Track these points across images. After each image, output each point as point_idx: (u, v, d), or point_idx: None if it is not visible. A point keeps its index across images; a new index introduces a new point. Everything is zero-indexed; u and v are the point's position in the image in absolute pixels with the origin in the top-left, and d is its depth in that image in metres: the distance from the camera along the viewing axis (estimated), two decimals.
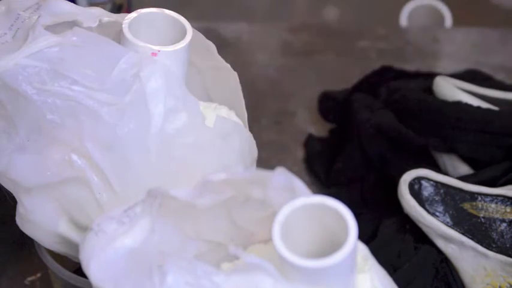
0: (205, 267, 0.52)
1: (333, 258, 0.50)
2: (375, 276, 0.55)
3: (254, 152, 0.70)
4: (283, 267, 0.52)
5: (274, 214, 0.52)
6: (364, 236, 0.79)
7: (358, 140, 0.87)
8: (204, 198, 0.55)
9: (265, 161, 0.90)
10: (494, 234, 0.77)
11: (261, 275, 0.52)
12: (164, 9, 0.68)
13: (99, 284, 0.55)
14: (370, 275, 0.55)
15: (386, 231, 0.81)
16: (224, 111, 0.70)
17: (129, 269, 0.55)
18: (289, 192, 0.53)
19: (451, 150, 0.85)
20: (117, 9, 0.98)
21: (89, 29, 0.66)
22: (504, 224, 0.77)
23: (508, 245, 0.76)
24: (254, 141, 0.70)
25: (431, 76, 0.93)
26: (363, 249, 0.56)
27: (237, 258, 0.56)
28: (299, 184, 0.53)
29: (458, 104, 0.85)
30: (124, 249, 0.56)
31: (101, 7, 0.70)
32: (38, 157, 0.63)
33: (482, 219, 0.77)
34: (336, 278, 0.52)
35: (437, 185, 0.78)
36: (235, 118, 0.70)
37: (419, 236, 0.79)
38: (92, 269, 0.55)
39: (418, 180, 0.78)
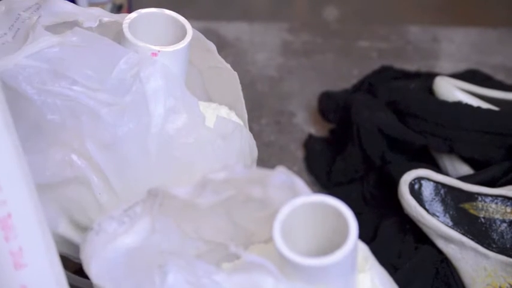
0: (206, 266, 0.52)
1: (333, 256, 0.50)
2: (375, 276, 0.55)
3: (254, 152, 0.70)
4: (283, 266, 0.52)
5: (274, 214, 0.52)
6: (365, 236, 0.79)
7: (358, 140, 0.87)
8: (204, 197, 0.55)
9: (265, 161, 0.90)
10: (495, 235, 0.77)
11: (261, 273, 0.52)
12: (164, 9, 0.68)
13: (100, 283, 0.55)
14: (371, 274, 0.55)
15: (386, 232, 0.81)
16: (224, 111, 0.70)
17: (129, 268, 0.55)
18: (290, 191, 0.53)
19: (451, 150, 0.85)
20: (117, 9, 0.98)
21: (89, 29, 0.66)
22: (504, 224, 0.77)
23: (508, 246, 0.76)
24: (254, 141, 0.70)
25: (431, 76, 0.93)
26: (363, 249, 0.56)
27: (237, 258, 0.56)
28: (299, 183, 0.53)
29: (459, 104, 0.85)
30: (125, 249, 0.56)
31: (101, 7, 0.70)
32: (38, 157, 0.63)
33: (483, 220, 0.77)
34: (336, 277, 0.52)
35: (438, 185, 0.78)
36: (235, 118, 0.70)
37: (420, 236, 0.79)
38: (93, 268, 0.55)
39: (418, 180, 0.78)
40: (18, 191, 0.50)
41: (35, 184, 0.51)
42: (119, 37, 0.66)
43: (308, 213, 0.53)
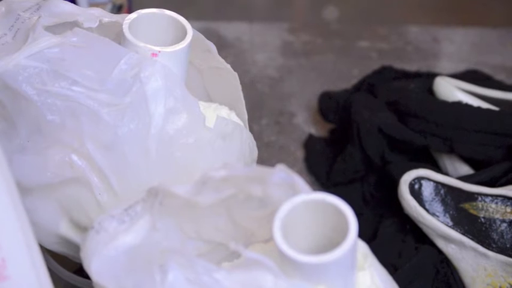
0: (206, 264, 0.52)
1: (333, 254, 0.50)
2: (374, 274, 0.55)
3: (254, 152, 0.70)
4: (283, 263, 0.52)
5: (274, 213, 0.52)
6: (365, 237, 0.80)
7: (358, 140, 0.87)
8: (204, 195, 0.55)
9: (266, 161, 0.90)
10: (495, 235, 0.77)
11: (261, 271, 0.52)
12: (164, 10, 0.68)
13: (101, 282, 0.55)
14: (370, 272, 0.55)
15: (386, 232, 0.81)
16: (224, 111, 0.70)
17: (130, 267, 0.55)
18: (290, 189, 0.53)
19: (451, 150, 0.85)
20: (117, 9, 0.98)
21: (89, 29, 0.66)
22: (504, 224, 0.77)
23: (508, 245, 0.76)
24: (254, 142, 0.70)
25: (431, 76, 0.93)
26: (363, 247, 0.56)
27: (237, 257, 0.57)
28: (299, 181, 0.53)
29: (459, 105, 0.85)
30: (125, 247, 0.56)
31: (101, 7, 0.70)
32: (38, 158, 0.63)
33: (483, 220, 0.77)
34: (336, 275, 0.52)
35: (438, 185, 0.78)
36: (235, 118, 0.70)
37: (420, 236, 0.79)
38: (93, 266, 0.55)
39: (418, 180, 0.78)
40: (0, 201, 0.49)
41: (19, 193, 0.50)
42: (119, 37, 0.66)
43: (308, 211, 0.53)
